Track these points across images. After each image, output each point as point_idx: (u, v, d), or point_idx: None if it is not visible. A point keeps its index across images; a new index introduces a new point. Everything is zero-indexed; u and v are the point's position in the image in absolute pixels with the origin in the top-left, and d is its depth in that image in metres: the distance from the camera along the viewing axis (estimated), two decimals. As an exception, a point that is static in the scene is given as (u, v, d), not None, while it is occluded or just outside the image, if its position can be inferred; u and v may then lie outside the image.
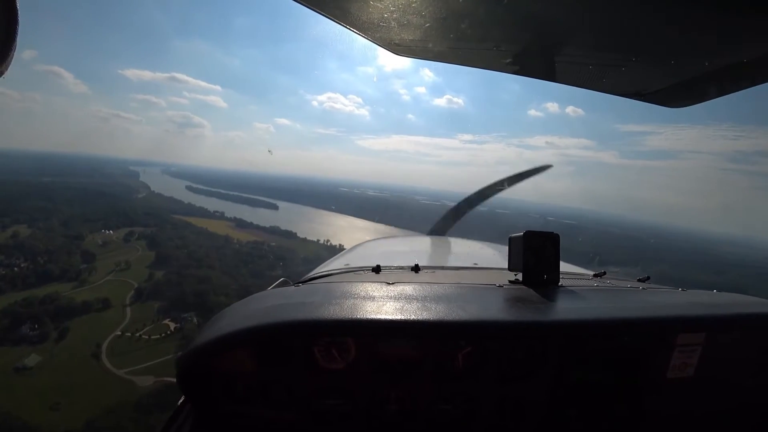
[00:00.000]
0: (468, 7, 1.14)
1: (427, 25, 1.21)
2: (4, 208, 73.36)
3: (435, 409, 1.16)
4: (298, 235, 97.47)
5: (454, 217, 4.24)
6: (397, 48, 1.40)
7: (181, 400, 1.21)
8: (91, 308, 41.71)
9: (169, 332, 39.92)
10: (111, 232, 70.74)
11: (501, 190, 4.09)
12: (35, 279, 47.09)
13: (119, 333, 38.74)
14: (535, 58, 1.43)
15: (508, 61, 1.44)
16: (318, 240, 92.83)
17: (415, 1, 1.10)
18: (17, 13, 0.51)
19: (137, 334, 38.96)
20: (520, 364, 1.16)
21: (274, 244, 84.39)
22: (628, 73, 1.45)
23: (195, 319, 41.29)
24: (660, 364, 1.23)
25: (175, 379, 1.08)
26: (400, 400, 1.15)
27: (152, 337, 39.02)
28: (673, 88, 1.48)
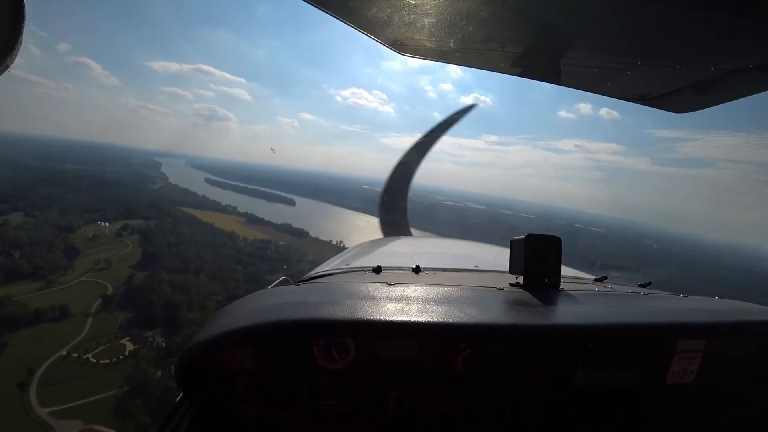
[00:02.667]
0: (473, 9, 1.13)
1: (432, 25, 1.21)
2: (10, 193, 70.03)
3: (434, 410, 1.16)
4: (311, 234, 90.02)
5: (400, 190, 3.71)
6: (402, 48, 1.39)
7: (179, 398, 1.20)
8: (43, 318, 35.23)
9: (122, 356, 32.85)
10: (107, 224, 65.60)
11: (436, 139, 3.69)
12: (0, 276, 41.40)
13: (65, 353, 31.89)
14: (540, 60, 1.41)
15: (512, 63, 1.42)
16: (330, 241, 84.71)
17: (420, 2, 1.09)
18: (23, 6, 0.51)
19: (85, 356, 32.02)
20: (519, 367, 1.15)
21: (282, 243, 77.65)
22: (633, 77, 1.43)
23: (158, 340, 34.05)
24: (660, 370, 1.23)
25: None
26: (399, 400, 1.15)
27: (101, 361, 31.97)
28: (678, 92, 1.47)
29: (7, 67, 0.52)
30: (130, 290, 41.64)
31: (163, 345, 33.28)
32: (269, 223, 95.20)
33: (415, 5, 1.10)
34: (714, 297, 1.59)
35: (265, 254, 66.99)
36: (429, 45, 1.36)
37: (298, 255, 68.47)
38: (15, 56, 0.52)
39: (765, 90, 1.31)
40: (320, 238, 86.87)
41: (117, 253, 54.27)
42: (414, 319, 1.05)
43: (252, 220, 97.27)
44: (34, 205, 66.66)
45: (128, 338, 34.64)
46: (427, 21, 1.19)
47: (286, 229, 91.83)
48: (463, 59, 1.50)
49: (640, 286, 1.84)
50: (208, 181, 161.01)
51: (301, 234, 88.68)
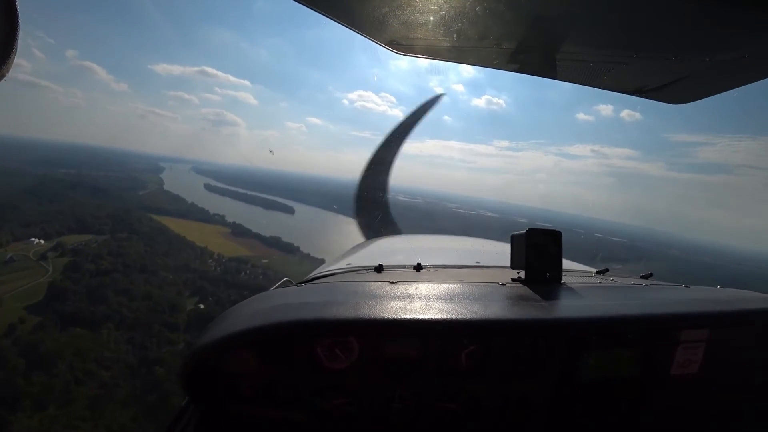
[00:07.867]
0: (468, 6, 1.14)
1: (427, 23, 1.23)
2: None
3: (439, 407, 1.17)
4: (302, 249, 75.89)
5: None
6: (399, 47, 1.39)
7: (185, 401, 1.22)
8: None
9: None
10: (41, 241, 53.31)
11: (405, 134, 3.57)
12: None
13: None
14: (536, 55, 1.42)
15: (508, 59, 1.44)
16: (323, 259, 70.71)
17: (415, 0, 1.10)
18: (18, 16, 0.51)
19: None
20: (523, 361, 1.17)
21: (265, 261, 63.86)
22: (629, 70, 1.44)
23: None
24: (664, 361, 1.24)
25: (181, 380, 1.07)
26: (404, 398, 1.16)
27: None
28: (674, 84, 1.48)
29: (3, 75, 0.52)
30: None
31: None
32: (257, 236, 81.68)
33: (409, 4, 1.08)
34: (716, 286, 1.58)
35: (236, 278, 53.03)
36: (425, 44, 1.33)
37: (276, 278, 54.97)
38: (10, 65, 0.52)
39: (760, 79, 1.29)
40: (311, 254, 72.28)
41: (24, 283, 41.51)
42: (417, 316, 1.07)
43: (238, 231, 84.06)
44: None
45: None
46: (422, 19, 1.18)
47: (274, 243, 77.94)
48: (460, 57, 1.48)
49: (642, 277, 1.83)
50: (207, 186, 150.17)
51: (289, 249, 74.76)
